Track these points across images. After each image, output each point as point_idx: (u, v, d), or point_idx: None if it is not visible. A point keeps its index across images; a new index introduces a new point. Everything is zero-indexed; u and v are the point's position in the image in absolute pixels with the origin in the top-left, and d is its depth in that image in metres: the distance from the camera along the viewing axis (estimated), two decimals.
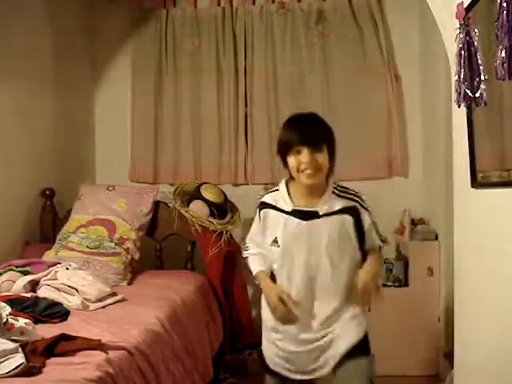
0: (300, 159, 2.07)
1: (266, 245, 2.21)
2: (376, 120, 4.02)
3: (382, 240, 2.26)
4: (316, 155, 2.07)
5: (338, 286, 2.16)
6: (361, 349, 2.25)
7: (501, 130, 1.78)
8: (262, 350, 2.33)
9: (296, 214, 2.14)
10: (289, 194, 2.18)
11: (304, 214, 2.13)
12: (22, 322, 2.01)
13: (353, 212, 2.16)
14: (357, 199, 2.18)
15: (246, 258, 2.34)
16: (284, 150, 2.13)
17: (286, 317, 2.15)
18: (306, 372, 2.23)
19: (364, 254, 2.22)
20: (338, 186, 2.20)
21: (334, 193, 2.16)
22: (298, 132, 2.10)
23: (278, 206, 2.18)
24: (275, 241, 2.16)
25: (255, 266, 2.27)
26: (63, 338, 1.95)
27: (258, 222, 2.27)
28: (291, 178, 2.17)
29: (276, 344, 2.23)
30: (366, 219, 2.19)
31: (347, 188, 2.21)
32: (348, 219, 2.15)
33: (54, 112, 3.72)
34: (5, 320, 1.96)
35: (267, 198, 2.23)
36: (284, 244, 2.15)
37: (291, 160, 2.10)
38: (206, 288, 3.31)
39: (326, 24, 4.04)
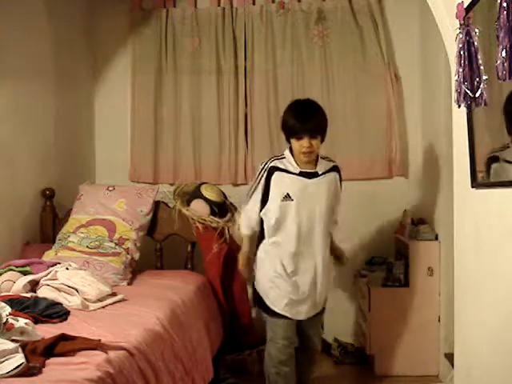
0: (301, 143, 2.73)
1: (274, 202, 2.77)
2: (376, 120, 4.02)
3: None
4: (313, 141, 2.74)
5: (323, 237, 2.83)
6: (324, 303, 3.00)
7: (501, 130, 1.78)
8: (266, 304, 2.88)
9: (303, 174, 2.79)
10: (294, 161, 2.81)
11: (308, 174, 2.80)
12: (21, 321, 2.01)
13: (337, 169, 2.88)
14: (334, 162, 2.91)
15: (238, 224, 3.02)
16: (288, 132, 2.80)
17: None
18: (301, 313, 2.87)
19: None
20: (321, 155, 2.88)
21: (321, 158, 2.86)
22: (301, 122, 2.73)
23: (288, 169, 2.79)
24: (287, 196, 2.75)
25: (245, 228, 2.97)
26: (63, 337, 1.95)
27: (260, 188, 2.81)
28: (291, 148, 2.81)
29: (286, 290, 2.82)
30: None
31: (324, 156, 2.91)
32: (337, 176, 2.87)
33: (54, 112, 3.73)
34: (5, 320, 1.96)
35: (277, 163, 2.81)
36: (297, 198, 2.75)
37: (294, 143, 2.77)
38: (206, 288, 3.31)
39: (326, 24, 4.04)
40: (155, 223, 3.53)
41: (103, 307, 2.57)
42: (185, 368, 2.49)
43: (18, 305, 2.29)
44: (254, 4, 4.12)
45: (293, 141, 2.77)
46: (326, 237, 2.87)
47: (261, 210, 2.84)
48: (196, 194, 3.52)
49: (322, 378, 3.45)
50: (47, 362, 1.82)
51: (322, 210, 2.79)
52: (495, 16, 1.39)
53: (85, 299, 2.55)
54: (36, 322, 2.19)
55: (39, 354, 1.84)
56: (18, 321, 2.00)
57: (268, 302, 2.87)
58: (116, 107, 4.26)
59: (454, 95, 1.76)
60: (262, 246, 2.91)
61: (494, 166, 1.80)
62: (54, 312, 2.34)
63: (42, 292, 2.58)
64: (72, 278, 2.65)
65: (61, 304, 2.45)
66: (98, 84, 4.27)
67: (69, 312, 2.40)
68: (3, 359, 1.72)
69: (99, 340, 1.99)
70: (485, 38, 1.65)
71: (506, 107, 1.69)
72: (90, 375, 1.73)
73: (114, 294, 2.72)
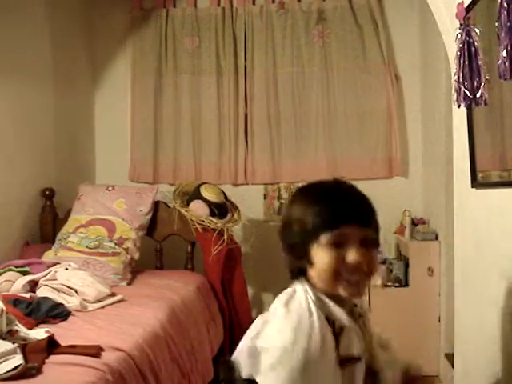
0: (344, 255, 1.23)
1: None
2: (376, 120, 4.02)
3: None
4: (369, 249, 1.26)
5: None
6: None
7: (501, 130, 1.77)
8: None
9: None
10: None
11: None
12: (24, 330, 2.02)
13: None
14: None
15: None
16: (307, 238, 1.25)
17: None
18: None
19: None
20: None
21: None
22: (340, 206, 1.31)
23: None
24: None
25: None
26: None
27: None
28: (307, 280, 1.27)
29: None
30: None
31: None
32: None
33: (53, 112, 3.72)
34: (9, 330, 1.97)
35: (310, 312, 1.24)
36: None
37: (323, 256, 1.23)
38: (206, 288, 3.31)
39: (326, 24, 4.04)
40: (155, 223, 3.53)
41: (102, 307, 2.57)
42: (184, 368, 2.49)
43: (24, 309, 2.28)
44: (254, 4, 4.12)
45: (321, 255, 1.23)
46: None
47: None
48: (195, 194, 3.52)
49: None
50: (47, 361, 1.81)
51: None
52: (495, 16, 1.39)
53: (84, 300, 2.55)
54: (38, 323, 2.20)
55: (40, 350, 1.84)
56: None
57: None
58: (116, 107, 4.26)
59: (454, 95, 1.76)
60: None
61: None
62: (57, 313, 2.34)
63: (41, 292, 2.57)
64: (71, 279, 2.65)
65: (62, 305, 2.45)
66: (98, 84, 4.27)
67: (69, 312, 2.40)
68: (2, 359, 1.72)
69: (99, 347, 1.96)
70: (485, 38, 1.65)
71: None
72: (90, 377, 1.73)
73: (113, 295, 2.72)
